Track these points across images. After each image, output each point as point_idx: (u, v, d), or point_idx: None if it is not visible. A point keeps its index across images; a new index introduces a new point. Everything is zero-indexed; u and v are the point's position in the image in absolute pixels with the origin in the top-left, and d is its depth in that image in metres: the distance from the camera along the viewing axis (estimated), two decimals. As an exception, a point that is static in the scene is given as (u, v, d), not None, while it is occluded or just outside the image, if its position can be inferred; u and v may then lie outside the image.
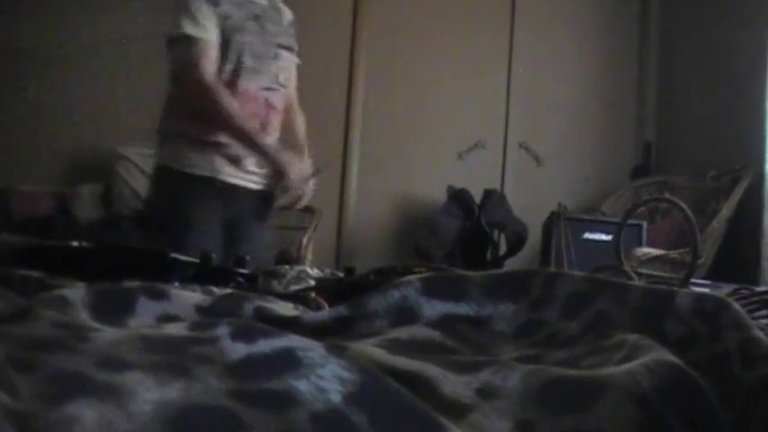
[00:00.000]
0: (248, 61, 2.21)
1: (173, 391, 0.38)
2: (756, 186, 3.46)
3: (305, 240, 3.55)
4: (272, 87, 2.30)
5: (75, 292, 0.58)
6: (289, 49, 2.36)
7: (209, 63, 2.16)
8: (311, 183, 2.30)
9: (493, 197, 3.92)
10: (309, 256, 3.49)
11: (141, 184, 3.66)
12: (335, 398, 0.38)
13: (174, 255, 0.93)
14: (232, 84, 2.19)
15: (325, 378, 0.39)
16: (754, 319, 0.63)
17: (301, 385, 0.39)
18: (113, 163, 3.70)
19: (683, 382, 0.43)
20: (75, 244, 1.03)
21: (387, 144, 4.12)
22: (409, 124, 4.25)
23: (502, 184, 4.32)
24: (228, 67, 2.19)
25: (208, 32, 2.15)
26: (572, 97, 4.41)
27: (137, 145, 3.74)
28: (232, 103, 2.17)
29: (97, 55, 3.91)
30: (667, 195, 2.98)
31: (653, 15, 4.47)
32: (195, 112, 2.20)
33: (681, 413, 0.41)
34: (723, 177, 3.62)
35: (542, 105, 4.38)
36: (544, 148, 4.36)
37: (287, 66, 2.36)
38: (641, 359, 0.45)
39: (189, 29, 2.14)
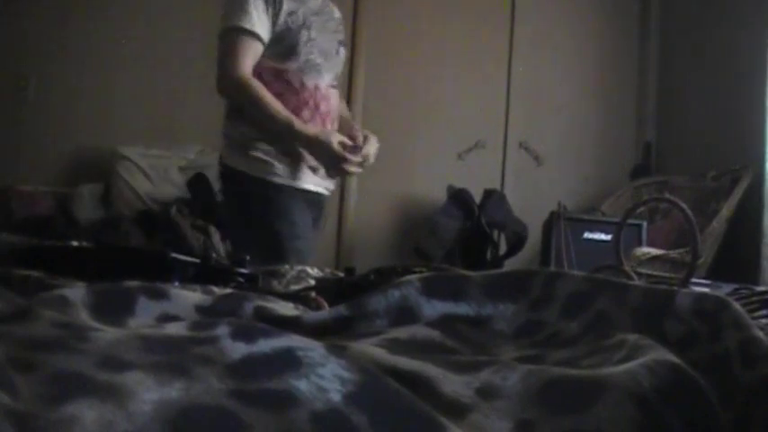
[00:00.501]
0: (317, 58, 2.15)
1: (173, 391, 0.38)
2: (756, 186, 3.46)
3: (305, 240, 3.54)
4: (334, 84, 2.24)
5: (76, 292, 0.58)
6: (345, 45, 2.31)
7: (247, 58, 2.07)
8: (365, 154, 2.17)
9: (493, 197, 3.91)
10: (309, 256, 3.49)
11: (141, 184, 3.66)
12: (335, 397, 0.38)
13: (173, 255, 0.93)
14: (300, 82, 2.12)
15: (326, 378, 0.39)
16: (754, 319, 0.63)
17: (301, 385, 0.39)
18: (113, 163, 3.70)
19: (683, 382, 0.43)
20: (75, 244, 1.03)
21: (387, 144, 4.10)
22: (409, 124, 4.24)
23: (502, 184, 4.32)
24: (297, 64, 2.12)
25: (257, 27, 2.06)
26: (572, 97, 4.41)
27: (137, 145, 3.74)
28: (266, 98, 2.07)
29: (97, 55, 3.91)
30: (667, 195, 2.98)
31: (653, 15, 4.47)
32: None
33: (681, 413, 0.41)
34: (723, 177, 3.61)
35: (542, 105, 4.38)
36: (544, 148, 4.36)
37: (343, 61, 2.32)
38: (641, 359, 0.45)
39: (239, 21, 2.05)
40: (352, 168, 2.16)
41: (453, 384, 0.45)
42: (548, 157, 4.35)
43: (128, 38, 3.91)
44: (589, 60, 4.45)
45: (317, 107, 2.16)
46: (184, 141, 3.84)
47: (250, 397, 0.38)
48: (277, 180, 2.14)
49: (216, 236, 3.12)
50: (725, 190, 3.54)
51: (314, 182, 2.20)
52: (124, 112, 3.88)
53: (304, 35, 2.11)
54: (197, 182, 3.49)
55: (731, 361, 0.48)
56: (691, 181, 3.80)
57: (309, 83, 2.14)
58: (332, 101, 2.22)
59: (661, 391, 0.42)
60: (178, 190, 3.57)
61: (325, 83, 2.18)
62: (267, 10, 2.08)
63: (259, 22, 2.07)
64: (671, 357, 0.46)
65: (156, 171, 3.70)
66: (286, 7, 2.10)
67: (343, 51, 2.29)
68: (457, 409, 0.43)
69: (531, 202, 4.07)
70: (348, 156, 2.11)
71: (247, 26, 2.05)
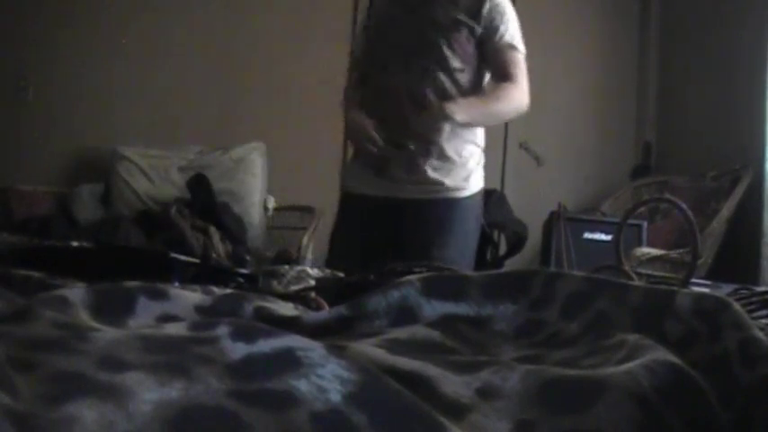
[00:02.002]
0: (384, 54, 2.07)
1: (173, 391, 0.38)
2: (756, 186, 3.46)
3: (305, 240, 3.54)
4: (425, 76, 2.03)
5: (76, 292, 0.58)
6: (444, 29, 2.05)
7: (349, 75, 2.20)
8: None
9: (493, 197, 3.90)
10: (309, 255, 3.49)
11: (141, 184, 3.66)
12: (335, 398, 0.38)
13: (173, 255, 0.93)
14: (367, 85, 2.14)
15: (325, 378, 0.39)
16: (754, 319, 0.63)
17: (301, 385, 0.39)
18: (113, 163, 3.70)
19: (683, 382, 0.43)
20: (75, 244, 1.03)
21: (387, 144, 4.10)
22: (409, 124, 4.24)
23: (502, 184, 4.31)
24: (365, 67, 2.16)
25: (353, 44, 2.25)
26: (572, 97, 4.40)
27: (137, 145, 3.74)
28: (347, 102, 2.16)
29: (97, 55, 3.90)
30: (667, 195, 2.98)
31: (653, 15, 4.47)
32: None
33: (681, 413, 0.41)
34: (723, 177, 3.61)
35: (542, 105, 4.36)
36: (544, 148, 4.35)
37: (449, 47, 2.06)
38: (641, 359, 0.45)
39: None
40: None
41: (453, 384, 0.45)
42: (548, 157, 4.34)
43: (128, 38, 3.91)
44: (589, 60, 4.45)
45: (372, 108, 2.06)
46: (184, 141, 3.84)
47: (250, 397, 0.38)
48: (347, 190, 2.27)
49: (216, 236, 3.12)
50: (725, 190, 3.54)
51: (380, 186, 2.12)
52: (124, 112, 3.87)
53: (372, 34, 2.13)
54: (197, 182, 3.49)
55: (731, 361, 0.48)
56: (691, 181, 3.80)
57: (383, 82, 2.08)
58: (411, 93, 2.03)
59: (661, 392, 0.42)
60: (178, 190, 3.57)
61: (400, 79, 2.04)
62: (364, 22, 2.19)
63: (359, 37, 2.24)
64: (671, 357, 0.46)
65: (156, 171, 3.70)
66: (376, 11, 2.14)
67: (435, 33, 2.04)
68: (457, 410, 0.43)
69: (531, 202, 4.06)
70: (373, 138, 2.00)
71: (354, 47, 2.29)
